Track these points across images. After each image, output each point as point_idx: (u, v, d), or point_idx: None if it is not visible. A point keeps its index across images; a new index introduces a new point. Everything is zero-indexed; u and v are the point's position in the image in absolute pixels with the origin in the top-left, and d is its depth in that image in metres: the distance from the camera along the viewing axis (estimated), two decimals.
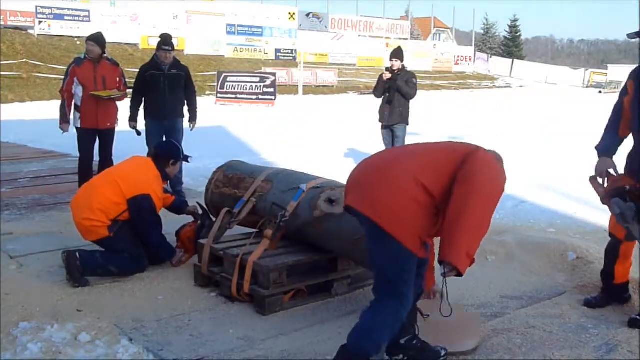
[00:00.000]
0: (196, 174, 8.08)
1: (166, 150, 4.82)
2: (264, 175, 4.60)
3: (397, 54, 7.95)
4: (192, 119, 7.13)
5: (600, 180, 3.80)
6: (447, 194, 2.65)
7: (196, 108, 7.16)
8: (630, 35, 3.61)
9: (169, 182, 6.71)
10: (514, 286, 4.37)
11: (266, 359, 3.24)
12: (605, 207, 3.89)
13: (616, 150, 3.83)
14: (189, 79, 7.07)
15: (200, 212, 4.87)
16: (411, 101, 7.98)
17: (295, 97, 29.32)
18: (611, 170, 3.76)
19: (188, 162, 5.01)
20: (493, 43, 63.56)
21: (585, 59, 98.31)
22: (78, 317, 3.64)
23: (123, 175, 4.48)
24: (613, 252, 3.91)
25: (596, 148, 3.87)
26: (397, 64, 7.83)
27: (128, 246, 4.39)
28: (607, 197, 3.64)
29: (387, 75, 7.82)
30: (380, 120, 8.06)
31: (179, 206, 4.98)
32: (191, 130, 7.14)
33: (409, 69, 8.16)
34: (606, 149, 3.81)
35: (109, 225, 4.36)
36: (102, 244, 4.45)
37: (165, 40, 6.78)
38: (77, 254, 4.19)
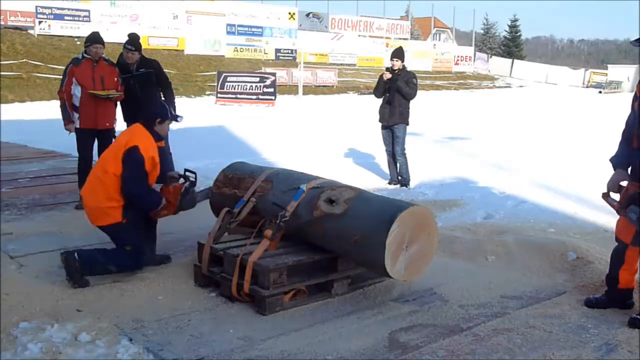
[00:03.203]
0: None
1: (151, 111, 4.70)
2: (264, 175, 4.60)
3: (398, 53, 7.95)
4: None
5: (612, 194, 3.82)
6: None
7: (174, 100, 6.93)
8: (634, 43, 3.60)
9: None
10: (514, 286, 4.37)
11: (266, 359, 3.24)
12: (605, 207, 3.89)
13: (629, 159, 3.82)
14: (161, 73, 6.91)
15: (189, 177, 4.73)
16: (411, 101, 7.98)
17: (295, 97, 29.30)
18: (623, 183, 3.78)
19: (177, 121, 4.84)
20: (493, 43, 63.52)
21: (585, 59, 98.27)
22: (78, 317, 3.65)
23: (116, 146, 4.48)
24: (618, 257, 3.89)
25: (610, 160, 3.88)
26: (397, 64, 7.82)
27: (133, 238, 4.36)
28: (621, 208, 3.63)
29: (388, 76, 7.81)
30: (380, 121, 8.06)
31: (165, 173, 4.81)
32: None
33: (409, 69, 8.16)
34: (620, 161, 3.82)
35: (123, 210, 4.33)
36: (110, 231, 4.43)
37: (131, 40, 6.69)
38: (76, 254, 4.18)
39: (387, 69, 7.93)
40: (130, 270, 4.37)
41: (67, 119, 6.42)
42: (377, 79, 8.27)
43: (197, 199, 4.71)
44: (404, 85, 7.76)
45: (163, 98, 6.83)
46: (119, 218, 4.34)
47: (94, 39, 6.47)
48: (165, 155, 5.49)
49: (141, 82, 6.62)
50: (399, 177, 8.09)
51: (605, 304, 3.93)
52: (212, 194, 4.91)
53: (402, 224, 3.76)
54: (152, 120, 4.58)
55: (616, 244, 3.93)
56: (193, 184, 4.64)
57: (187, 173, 4.68)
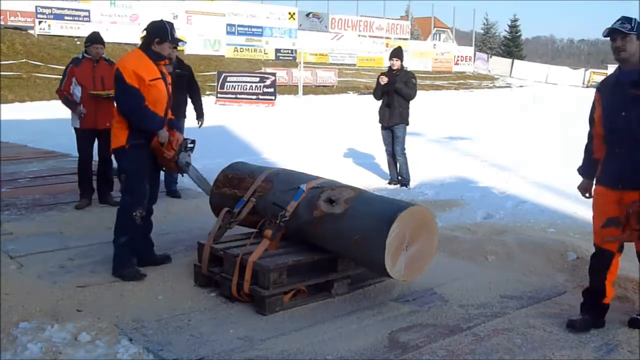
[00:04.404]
0: None
1: (150, 29, 4.45)
2: (264, 175, 4.60)
3: (397, 53, 7.95)
4: (199, 117, 7.23)
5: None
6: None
7: (202, 106, 7.25)
8: (605, 32, 3.56)
9: (164, 182, 6.68)
10: (514, 286, 4.38)
11: (266, 359, 3.24)
12: None
13: (595, 171, 3.78)
14: (193, 78, 7.16)
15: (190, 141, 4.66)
16: (411, 101, 7.98)
17: (295, 97, 29.32)
18: (587, 194, 3.84)
19: (178, 45, 4.61)
20: (493, 43, 63.53)
21: (585, 59, 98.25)
22: (78, 317, 3.64)
23: None
24: (604, 267, 3.66)
25: (577, 170, 3.90)
26: (397, 64, 7.83)
27: (130, 165, 4.36)
28: None
29: (384, 80, 7.82)
30: (380, 122, 8.06)
31: (171, 126, 4.61)
32: (199, 127, 7.22)
33: (408, 69, 8.15)
34: (583, 171, 3.87)
35: (128, 135, 4.34)
36: (116, 156, 4.49)
37: None
38: (116, 262, 4.37)
39: (384, 74, 7.94)
40: (135, 208, 4.36)
41: (72, 106, 6.36)
42: (376, 79, 8.27)
43: (190, 169, 4.65)
44: (402, 87, 7.75)
45: (191, 101, 7.13)
46: (124, 141, 4.36)
47: (95, 39, 6.47)
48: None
49: (174, 82, 6.61)
50: (399, 177, 8.10)
51: (588, 325, 3.62)
52: (212, 193, 4.91)
53: (402, 224, 3.76)
54: (150, 39, 4.42)
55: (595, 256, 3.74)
56: (192, 148, 4.64)
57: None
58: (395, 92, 7.75)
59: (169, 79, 4.61)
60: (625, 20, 3.47)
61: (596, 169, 3.75)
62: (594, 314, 3.66)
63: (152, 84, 4.35)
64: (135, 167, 4.38)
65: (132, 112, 4.35)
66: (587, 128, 3.86)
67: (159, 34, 4.40)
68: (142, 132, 4.37)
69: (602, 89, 3.70)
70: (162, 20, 4.54)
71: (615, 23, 3.49)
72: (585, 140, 3.84)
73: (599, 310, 3.67)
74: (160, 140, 4.40)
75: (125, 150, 4.36)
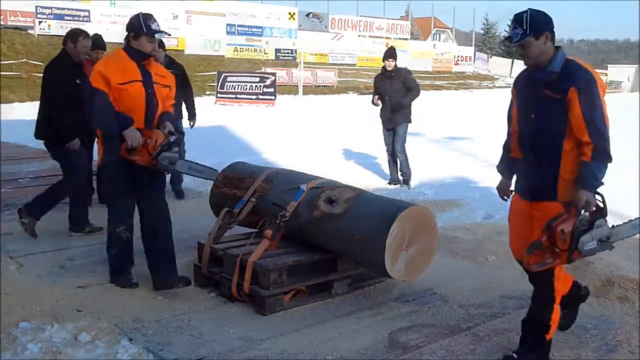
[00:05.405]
0: None
1: (126, 25, 4.15)
2: (264, 175, 4.61)
3: (391, 53, 7.98)
4: (192, 117, 7.19)
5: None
6: None
7: (194, 106, 7.19)
8: (501, 42, 3.41)
9: (169, 179, 6.66)
10: (514, 286, 4.37)
11: (266, 359, 3.24)
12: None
13: (512, 170, 3.62)
14: (185, 78, 7.08)
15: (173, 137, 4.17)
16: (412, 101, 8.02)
17: (295, 97, 29.31)
18: (509, 191, 3.62)
19: (153, 36, 4.09)
20: (493, 43, 63.47)
21: (585, 59, 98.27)
22: (78, 317, 3.64)
23: None
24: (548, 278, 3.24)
25: (496, 168, 3.73)
26: (391, 64, 7.85)
27: (107, 182, 4.28)
28: (572, 250, 2.87)
29: (378, 104, 7.89)
30: (382, 124, 8.09)
31: (162, 119, 4.24)
32: (191, 127, 7.18)
33: (407, 68, 8.17)
34: (502, 169, 3.70)
35: (103, 152, 4.12)
36: (97, 174, 4.40)
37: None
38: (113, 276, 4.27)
39: (376, 91, 7.99)
40: (119, 228, 4.20)
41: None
42: (371, 100, 8.25)
43: (177, 165, 4.20)
44: (407, 101, 7.81)
45: (183, 101, 7.01)
46: (100, 160, 4.19)
47: (97, 44, 6.43)
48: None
49: None
50: (401, 173, 8.11)
51: (573, 317, 3.60)
52: (212, 193, 4.91)
53: (402, 224, 3.76)
54: (128, 37, 4.11)
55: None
56: (177, 144, 4.21)
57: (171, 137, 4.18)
58: (399, 109, 7.79)
59: (162, 81, 4.27)
60: (517, 24, 3.06)
61: (514, 168, 3.58)
62: (570, 306, 3.53)
63: (122, 88, 3.96)
64: (110, 185, 4.26)
65: (93, 114, 4.01)
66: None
67: (134, 28, 4.07)
68: (113, 148, 4.02)
69: (517, 86, 3.41)
70: (138, 13, 4.20)
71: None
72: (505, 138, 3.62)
73: (571, 301, 3.51)
74: (131, 143, 3.95)
75: (102, 168, 4.22)
